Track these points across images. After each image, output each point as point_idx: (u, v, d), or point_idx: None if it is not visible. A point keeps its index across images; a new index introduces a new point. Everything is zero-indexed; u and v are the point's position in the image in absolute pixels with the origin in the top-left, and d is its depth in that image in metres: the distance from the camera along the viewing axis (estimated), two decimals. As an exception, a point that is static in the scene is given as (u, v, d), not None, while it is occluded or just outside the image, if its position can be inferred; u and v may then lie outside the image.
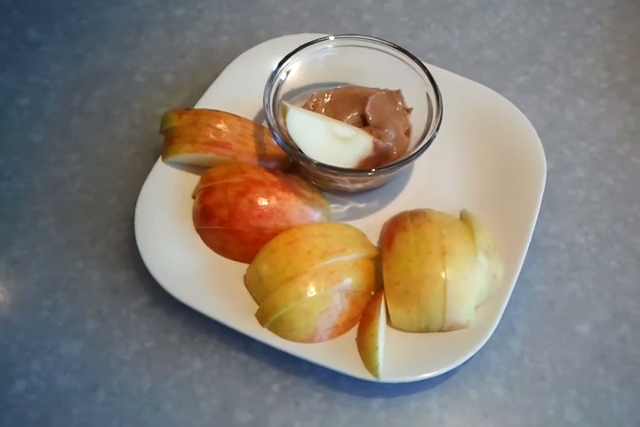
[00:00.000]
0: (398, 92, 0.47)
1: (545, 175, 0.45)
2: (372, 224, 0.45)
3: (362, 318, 0.41)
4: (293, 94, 0.47)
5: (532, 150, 0.46)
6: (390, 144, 0.45)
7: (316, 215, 0.44)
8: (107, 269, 0.46)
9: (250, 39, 0.56)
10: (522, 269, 0.42)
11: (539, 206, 0.44)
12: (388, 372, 0.39)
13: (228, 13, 0.58)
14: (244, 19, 0.57)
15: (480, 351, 0.40)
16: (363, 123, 0.47)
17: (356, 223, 0.45)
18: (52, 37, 0.57)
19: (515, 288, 0.41)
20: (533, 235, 0.43)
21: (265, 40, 0.51)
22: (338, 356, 0.40)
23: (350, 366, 0.39)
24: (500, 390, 0.42)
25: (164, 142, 0.46)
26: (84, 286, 0.45)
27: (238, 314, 0.41)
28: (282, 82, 0.46)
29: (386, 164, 0.44)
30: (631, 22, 0.57)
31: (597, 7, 0.58)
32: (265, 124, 0.45)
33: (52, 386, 0.42)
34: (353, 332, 0.41)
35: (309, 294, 0.40)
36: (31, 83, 0.54)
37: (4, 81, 0.54)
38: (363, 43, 0.47)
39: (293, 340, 0.40)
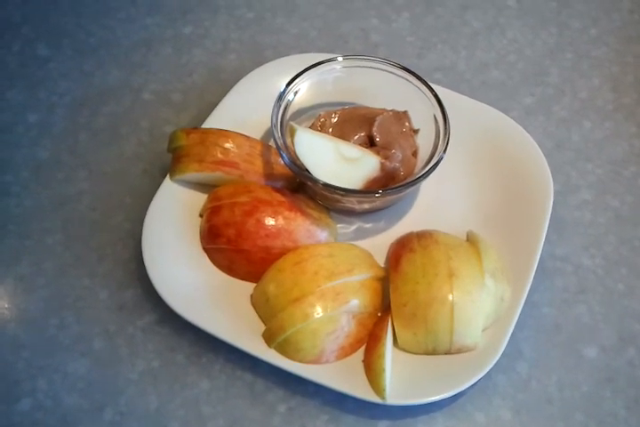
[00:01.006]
0: (405, 112, 0.48)
1: (552, 197, 0.45)
2: (379, 244, 0.45)
3: (369, 340, 0.41)
4: (301, 114, 0.48)
5: (538, 172, 0.47)
6: (397, 165, 0.45)
7: (322, 235, 0.44)
8: (113, 287, 0.46)
9: (257, 58, 0.56)
10: (529, 292, 0.42)
11: (546, 228, 0.44)
12: (394, 394, 0.39)
13: (235, 32, 0.58)
14: (252, 37, 0.58)
15: (487, 374, 0.40)
16: (370, 143, 0.47)
17: (363, 243, 0.45)
18: (61, 54, 0.57)
19: (522, 311, 0.41)
20: (540, 257, 0.43)
21: (273, 59, 0.51)
22: (344, 377, 0.40)
23: (357, 387, 0.39)
24: (507, 413, 0.42)
25: (172, 161, 0.46)
26: (91, 303, 0.45)
27: (245, 334, 0.41)
28: (289, 102, 0.46)
29: (393, 184, 0.44)
30: (637, 44, 0.58)
31: (603, 28, 0.59)
32: (272, 143, 0.45)
33: (59, 404, 0.42)
34: (360, 353, 0.41)
35: (316, 315, 0.40)
36: (40, 99, 0.54)
37: (13, 97, 0.54)
38: (370, 63, 0.47)
39: (300, 361, 0.40)
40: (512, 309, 0.41)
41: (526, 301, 0.42)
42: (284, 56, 0.52)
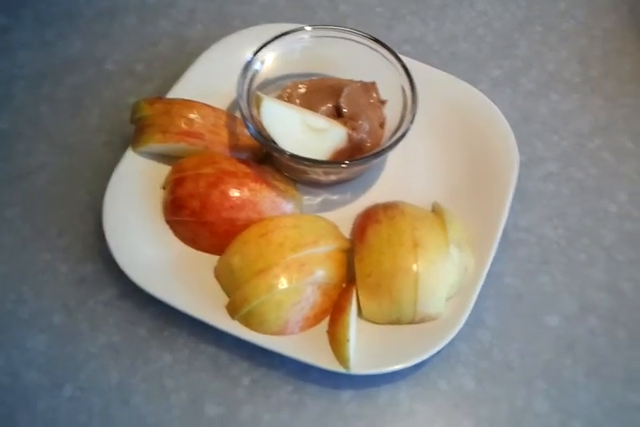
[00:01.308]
0: (373, 84, 0.47)
1: (517, 169, 0.45)
2: (345, 216, 0.45)
3: (333, 311, 0.41)
4: (268, 84, 0.47)
5: (504, 144, 0.47)
6: (364, 136, 0.45)
7: (288, 207, 0.44)
8: (73, 261, 0.45)
9: (225, 28, 0.55)
10: (492, 262, 0.42)
11: (510, 200, 0.44)
12: (358, 364, 0.39)
13: (202, 1, 0.57)
14: (219, 7, 0.57)
15: (450, 343, 0.40)
16: (337, 114, 0.46)
17: (329, 215, 0.45)
18: (20, 24, 0.55)
19: (485, 281, 0.41)
20: (504, 228, 0.43)
21: (239, 29, 0.50)
22: (308, 348, 0.40)
23: (321, 358, 0.39)
24: (469, 381, 0.42)
25: (135, 132, 0.45)
26: (51, 278, 0.44)
27: (208, 307, 0.41)
28: (256, 72, 0.45)
29: (359, 155, 0.44)
30: (605, 17, 0.58)
31: (572, 2, 0.59)
32: (238, 114, 0.44)
33: (17, 381, 0.41)
34: (324, 324, 0.41)
35: (281, 287, 0.39)
36: (0, 70, 0.53)
37: (-30, 68, 0.53)
38: (339, 34, 0.46)
39: (264, 332, 0.40)
40: (475, 279, 0.42)
41: (490, 271, 0.42)
42: (251, 26, 0.51)
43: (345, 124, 0.45)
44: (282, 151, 0.42)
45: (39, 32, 0.55)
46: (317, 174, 0.45)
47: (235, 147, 0.45)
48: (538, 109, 0.53)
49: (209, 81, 0.48)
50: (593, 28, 0.57)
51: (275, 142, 0.42)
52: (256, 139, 0.43)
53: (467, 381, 0.42)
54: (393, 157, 0.47)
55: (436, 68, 0.49)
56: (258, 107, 0.42)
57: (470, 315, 0.40)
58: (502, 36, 0.56)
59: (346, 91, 0.46)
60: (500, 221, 0.43)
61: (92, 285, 0.44)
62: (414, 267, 0.39)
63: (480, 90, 0.49)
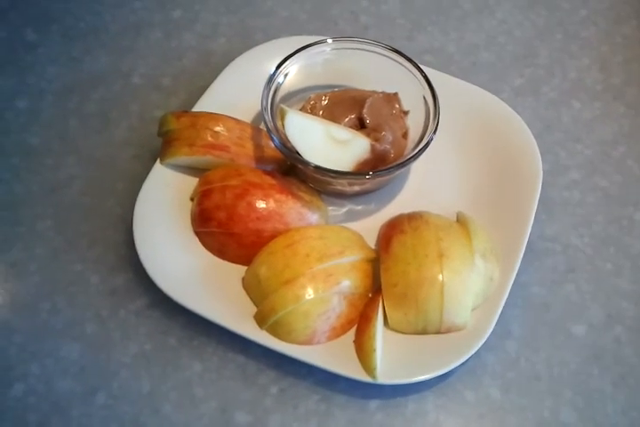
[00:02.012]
0: (395, 94, 0.48)
1: (541, 177, 0.45)
2: (370, 226, 0.45)
3: (359, 321, 0.42)
4: (291, 97, 0.48)
5: (527, 152, 0.47)
6: (387, 147, 0.45)
7: (313, 218, 0.45)
8: (105, 272, 0.46)
9: (247, 41, 0.56)
10: (518, 272, 0.42)
11: (535, 208, 0.44)
12: (385, 374, 0.39)
13: (225, 15, 0.58)
14: (242, 21, 0.57)
15: (477, 353, 0.40)
16: (360, 125, 0.47)
17: (354, 226, 0.46)
18: (49, 39, 0.57)
19: (511, 290, 0.42)
20: (529, 237, 0.43)
21: (262, 42, 0.51)
22: (335, 358, 0.40)
23: (348, 367, 0.40)
24: (496, 391, 0.42)
25: (162, 145, 0.46)
26: (83, 288, 0.45)
27: (236, 316, 0.41)
28: (279, 84, 0.46)
29: (383, 166, 0.44)
30: (626, 24, 0.58)
31: (593, 9, 0.59)
32: (263, 126, 0.45)
33: (51, 389, 0.42)
34: (350, 334, 0.41)
35: (308, 297, 0.40)
36: (29, 85, 0.54)
37: (1, 83, 0.54)
38: (360, 45, 0.47)
39: (292, 342, 0.41)
40: (501, 288, 0.42)
41: (515, 280, 0.42)
42: (273, 39, 0.51)
43: (368, 135, 0.45)
44: (306, 163, 0.42)
45: (67, 48, 0.56)
46: (342, 185, 0.45)
47: (260, 159, 0.46)
48: (560, 118, 0.53)
49: (233, 94, 0.49)
50: (613, 35, 0.57)
51: (299, 154, 0.43)
52: (281, 151, 0.43)
53: (493, 391, 0.42)
54: (416, 167, 0.48)
55: (458, 77, 0.50)
56: (282, 119, 0.43)
57: (497, 325, 0.41)
58: (523, 45, 0.56)
59: (368, 102, 0.47)
60: (525, 230, 0.44)
61: (123, 295, 0.45)
62: (440, 277, 0.40)
63: (502, 99, 0.49)
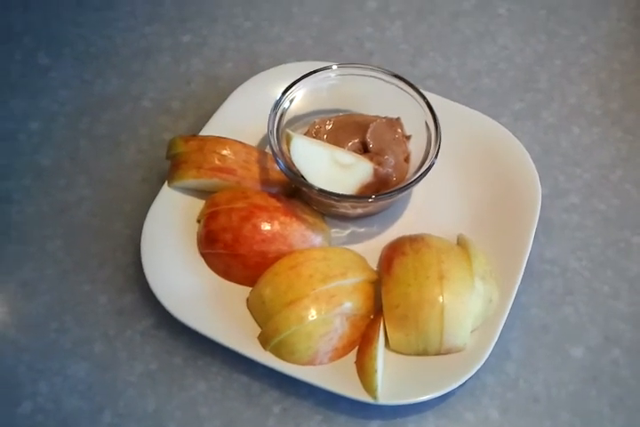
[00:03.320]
0: (398, 119, 0.49)
1: (540, 201, 0.46)
2: (372, 248, 0.46)
3: (361, 341, 0.42)
4: (296, 121, 0.49)
5: (526, 177, 0.48)
6: (390, 170, 0.46)
7: (317, 240, 0.46)
8: (113, 292, 0.47)
9: (254, 66, 0.57)
10: (517, 294, 0.43)
11: (534, 231, 0.45)
12: (386, 394, 0.40)
13: (233, 40, 0.59)
14: (249, 46, 0.59)
15: (476, 374, 0.41)
16: (363, 149, 0.48)
17: (357, 247, 0.46)
18: (61, 63, 0.58)
19: (510, 312, 0.42)
20: (528, 259, 0.44)
21: (269, 67, 0.53)
22: (337, 378, 0.41)
23: (349, 388, 0.40)
24: (495, 412, 0.43)
25: (171, 167, 0.47)
26: (91, 308, 0.46)
27: (241, 337, 0.42)
28: (285, 110, 0.47)
29: (385, 189, 0.45)
30: (624, 50, 0.59)
31: (592, 36, 0.60)
32: (268, 150, 0.46)
33: (59, 407, 0.43)
34: (352, 355, 0.42)
35: (311, 318, 0.41)
36: (41, 107, 0.55)
37: (15, 105, 0.55)
38: (364, 71, 0.48)
39: (294, 362, 0.41)
40: (500, 310, 0.43)
41: (515, 302, 0.43)
42: (280, 64, 0.53)
43: (371, 159, 0.47)
44: (311, 186, 0.43)
45: (78, 71, 0.58)
46: (345, 208, 0.46)
47: (265, 182, 0.47)
48: (559, 142, 0.54)
49: (240, 118, 0.50)
50: (612, 61, 0.58)
51: (304, 178, 0.44)
52: (286, 174, 0.44)
53: (492, 412, 0.43)
54: (418, 191, 0.49)
55: (459, 102, 0.51)
56: (287, 143, 0.44)
57: (496, 346, 0.41)
58: (523, 71, 0.58)
59: (372, 127, 0.48)
60: (524, 253, 0.44)
61: (130, 315, 0.46)
62: (440, 299, 0.41)
63: (502, 123, 0.50)
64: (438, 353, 0.42)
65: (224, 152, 0.46)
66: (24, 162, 0.53)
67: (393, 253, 0.44)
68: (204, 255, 0.46)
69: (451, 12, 0.61)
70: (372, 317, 0.44)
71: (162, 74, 0.57)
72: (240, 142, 0.47)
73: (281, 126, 0.47)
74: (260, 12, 0.61)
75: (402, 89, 0.47)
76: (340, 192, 0.43)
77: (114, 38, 0.60)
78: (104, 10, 0.61)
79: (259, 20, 0.60)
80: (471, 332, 0.42)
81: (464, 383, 0.41)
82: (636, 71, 0.58)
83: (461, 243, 0.45)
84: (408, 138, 0.49)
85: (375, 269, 0.46)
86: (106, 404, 0.43)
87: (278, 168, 0.45)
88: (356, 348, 0.42)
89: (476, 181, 0.49)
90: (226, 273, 0.45)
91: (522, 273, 0.44)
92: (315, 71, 0.48)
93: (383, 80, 0.48)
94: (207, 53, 0.59)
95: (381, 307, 0.43)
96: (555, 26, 0.60)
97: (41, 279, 0.47)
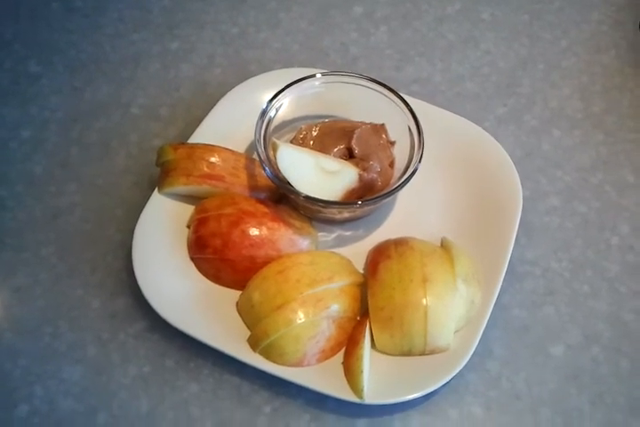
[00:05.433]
0: (382, 125, 0.50)
1: (521, 203, 0.47)
2: (358, 252, 0.47)
3: (348, 343, 0.44)
4: (283, 127, 0.50)
5: (508, 180, 0.49)
6: (375, 176, 0.47)
7: (304, 244, 0.47)
8: (105, 297, 0.48)
9: (242, 71, 0.58)
10: (499, 295, 0.44)
11: (515, 233, 0.46)
12: (372, 394, 0.41)
13: (220, 46, 0.60)
14: (236, 52, 0.60)
15: (459, 373, 0.42)
16: (349, 155, 0.49)
17: (343, 251, 0.48)
18: (52, 70, 0.59)
19: (492, 313, 0.44)
20: (510, 261, 0.45)
21: (257, 73, 0.54)
22: (325, 379, 0.42)
23: (337, 388, 0.42)
24: (478, 409, 0.44)
25: (161, 174, 0.48)
26: (85, 312, 0.47)
27: (231, 339, 0.43)
28: (272, 118, 0.48)
29: (371, 194, 0.46)
30: (605, 54, 0.60)
31: (573, 39, 0.61)
32: (256, 156, 0.47)
33: (55, 409, 0.44)
34: (339, 356, 0.43)
35: (298, 321, 0.42)
36: (32, 115, 0.56)
37: (6, 113, 0.56)
38: (348, 79, 0.49)
39: (283, 364, 0.42)
40: (482, 311, 0.44)
41: (496, 303, 0.44)
42: (267, 70, 0.54)
43: (357, 164, 0.48)
44: (297, 193, 0.44)
45: (69, 78, 0.58)
46: (332, 213, 0.47)
47: (253, 188, 0.48)
48: (541, 145, 0.55)
49: (228, 125, 0.51)
50: (593, 64, 0.59)
51: (290, 184, 0.45)
52: (273, 181, 0.45)
53: (475, 409, 0.44)
54: (403, 195, 0.50)
55: (443, 107, 0.52)
56: (274, 151, 0.45)
57: (479, 346, 0.43)
58: (506, 75, 0.59)
59: (357, 133, 0.49)
60: (506, 254, 0.46)
61: (122, 318, 0.47)
62: (424, 301, 0.42)
63: (485, 127, 0.51)
64: (423, 353, 0.43)
65: (212, 159, 0.47)
66: (16, 169, 0.53)
67: (379, 256, 0.45)
68: (194, 260, 0.47)
69: (435, 17, 0.62)
70: (358, 318, 0.45)
71: (151, 80, 0.58)
72: (228, 149, 0.48)
73: (268, 134, 0.48)
74: (246, 18, 0.62)
75: (385, 95, 0.48)
76: (327, 198, 0.45)
77: (103, 45, 0.60)
78: (93, 16, 0.62)
79: (246, 25, 0.61)
80: (454, 332, 0.43)
81: (448, 382, 0.42)
82: (617, 74, 0.59)
83: (445, 245, 0.47)
84: (393, 143, 0.50)
85: (361, 271, 0.47)
86: (100, 406, 0.44)
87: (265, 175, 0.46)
88: (343, 349, 0.44)
89: (460, 184, 0.50)
90: (216, 277, 0.46)
91: (503, 274, 0.45)
92: (300, 80, 0.48)
93: (367, 87, 0.49)
94: (195, 60, 0.59)
95: (367, 309, 0.44)
96: (537, 30, 0.61)
97: (35, 284, 0.48)
